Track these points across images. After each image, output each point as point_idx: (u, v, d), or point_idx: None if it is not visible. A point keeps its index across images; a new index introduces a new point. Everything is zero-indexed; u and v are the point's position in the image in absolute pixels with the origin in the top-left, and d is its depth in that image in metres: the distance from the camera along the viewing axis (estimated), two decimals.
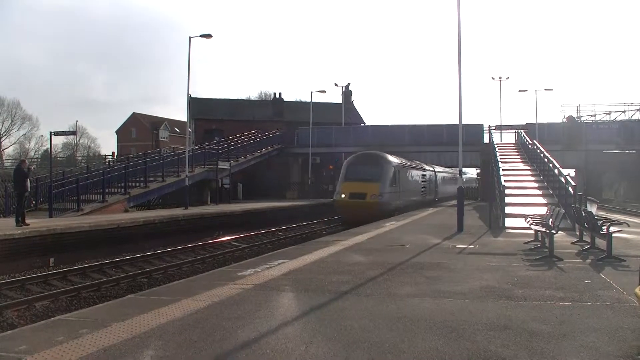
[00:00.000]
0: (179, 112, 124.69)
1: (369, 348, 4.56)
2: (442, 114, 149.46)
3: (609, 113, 51.29)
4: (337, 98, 52.36)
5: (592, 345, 4.65)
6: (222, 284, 7.39)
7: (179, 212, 23.02)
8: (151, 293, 7.17)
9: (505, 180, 19.52)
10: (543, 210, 14.95)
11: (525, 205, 17.58)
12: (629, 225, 11.68)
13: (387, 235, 14.55)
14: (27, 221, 15.58)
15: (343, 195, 24.78)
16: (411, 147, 39.39)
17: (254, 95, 74.71)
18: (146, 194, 25.43)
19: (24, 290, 11.06)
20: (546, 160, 22.09)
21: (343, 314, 5.77)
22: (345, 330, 5.10)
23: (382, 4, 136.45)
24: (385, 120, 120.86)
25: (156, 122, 75.66)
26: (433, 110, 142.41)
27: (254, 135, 39.79)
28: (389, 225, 17.88)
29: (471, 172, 55.70)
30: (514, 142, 36.04)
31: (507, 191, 18.44)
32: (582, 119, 48.74)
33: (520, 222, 14.42)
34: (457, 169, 39.90)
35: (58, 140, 62.61)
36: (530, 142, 28.75)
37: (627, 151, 43.92)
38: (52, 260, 14.35)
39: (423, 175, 34.69)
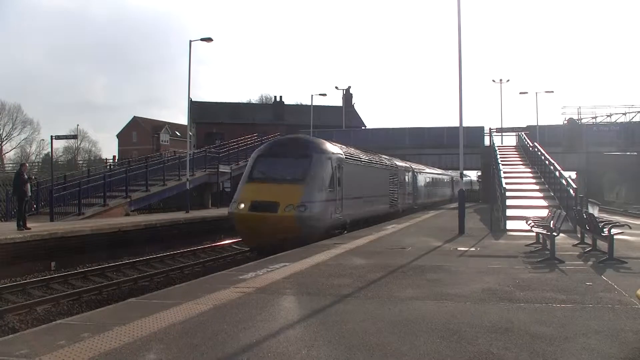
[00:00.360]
0: (180, 116, 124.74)
1: (370, 351, 4.55)
2: (442, 117, 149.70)
3: (610, 115, 51.36)
4: (337, 101, 52.37)
5: (594, 347, 4.64)
6: (223, 287, 7.39)
7: (180, 215, 23.05)
8: (152, 296, 7.17)
9: (506, 183, 19.51)
10: (544, 213, 14.96)
11: (526, 208, 17.57)
12: (630, 227, 11.65)
13: (388, 238, 14.53)
14: (28, 225, 15.60)
15: (242, 206, 14.77)
16: (411, 149, 39.41)
17: (254, 99, 75.03)
18: (147, 197, 25.43)
19: (25, 294, 11.07)
20: (547, 162, 22.10)
21: (344, 317, 5.77)
22: (347, 333, 5.09)
23: (382, 7, 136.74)
24: (385, 123, 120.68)
25: (157, 126, 75.76)
26: (434, 113, 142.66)
27: (255, 139, 39.82)
28: (390, 228, 17.86)
29: (471, 175, 55.57)
30: (514, 144, 36.09)
31: (508, 193, 18.42)
32: (583, 121, 48.84)
33: (522, 225, 14.42)
34: (448, 170, 39.46)
35: (59, 144, 62.75)
36: (531, 144, 28.76)
37: (628, 153, 43.91)
38: (53, 264, 14.37)
39: (390, 174, 23.98)
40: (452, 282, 7.82)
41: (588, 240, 12.00)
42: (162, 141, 72.38)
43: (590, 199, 27.57)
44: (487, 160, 32.15)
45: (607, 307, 6.22)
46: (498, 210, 19.04)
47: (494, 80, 42.31)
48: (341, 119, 44.69)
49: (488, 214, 18.98)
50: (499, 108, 58.83)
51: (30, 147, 70.60)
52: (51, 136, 26.47)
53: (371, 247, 12.36)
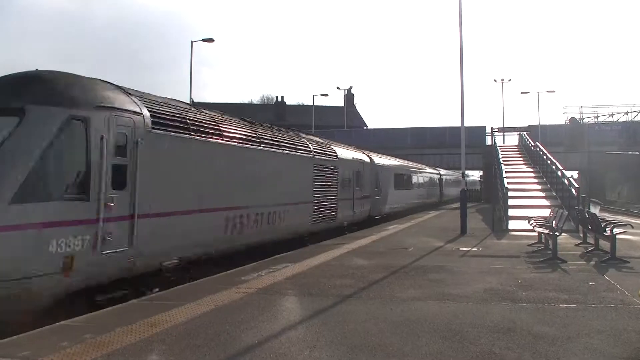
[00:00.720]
0: None
1: (372, 351, 4.55)
2: (444, 117, 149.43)
3: (612, 114, 51.16)
4: (339, 101, 52.47)
5: (597, 347, 4.63)
6: (225, 288, 7.39)
7: None
8: (155, 297, 7.17)
9: (508, 182, 19.50)
10: (546, 212, 14.94)
11: (528, 208, 17.55)
12: (632, 227, 11.65)
13: (391, 239, 14.53)
14: None
15: None
16: (413, 149, 39.41)
17: (256, 99, 75.02)
18: None
19: None
20: (549, 162, 22.08)
21: (346, 317, 5.77)
22: (349, 334, 5.09)
23: (384, 7, 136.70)
24: (387, 123, 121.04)
25: None
26: (435, 112, 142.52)
27: None
28: (392, 228, 17.86)
29: (474, 174, 55.38)
30: (516, 144, 36.02)
31: (510, 193, 18.42)
32: (585, 120, 48.66)
33: (524, 225, 14.40)
34: (419, 164, 38.42)
35: None
36: (533, 144, 28.74)
37: (630, 152, 43.81)
38: None
39: (316, 166, 14.79)
40: (454, 283, 7.81)
41: (590, 240, 11.98)
42: None
43: (592, 199, 27.50)
44: (489, 160, 32.16)
45: (609, 306, 6.21)
46: (500, 210, 19.02)
47: (495, 80, 42.49)
48: (343, 119, 44.74)
49: (490, 214, 18.96)
50: (500, 108, 59.05)
51: None
52: None
53: (373, 248, 12.36)
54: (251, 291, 7.21)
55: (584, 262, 9.93)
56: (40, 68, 7.32)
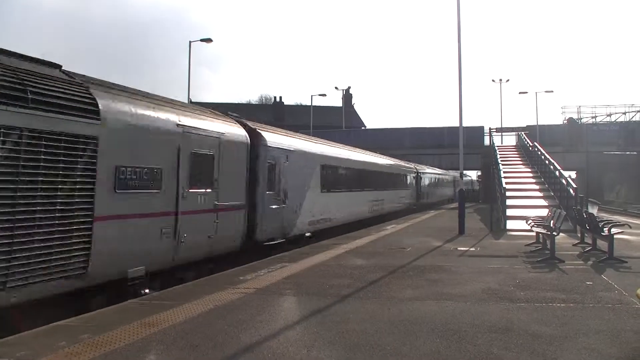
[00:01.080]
0: None
1: (370, 351, 4.55)
2: (442, 117, 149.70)
3: (610, 115, 51.24)
4: (337, 101, 52.48)
5: (594, 347, 4.64)
6: (223, 288, 7.39)
7: None
8: (152, 297, 7.16)
9: (506, 183, 19.53)
10: (544, 212, 14.96)
11: (526, 207, 17.58)
12: (630, 227, 11.67)
13: (388, 239, 14.53)
14: None
15: None
16: (411, 150, 39.42)
17: (254, 99, 74.97)
18: None
19: None
20: (547, 162, 22.12)
21: (344, 317, 5.77)
22: (347, 334, 5.09)
23: (382, 8, 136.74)
24: (385, 123, 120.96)
25: None
26: (434, 112, 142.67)
27: None
28: (390, 228, 17.87)
29: (472, 175, 55.39)
30: (514, 144, 36.12)
31: (508, 193, 18.44)
32: (583, 120, 48.74)
33: (522, 224, 14.43)
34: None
35: None
36: (531, 144, 28.79)
37: (628, 152, 43.92)
38: None
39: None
40: (452, 282, 7.82)
41: (588, 240, 12.00)
42: None
43: (590, 199, 27.54)
44: (487, 160, 32.19)
45: (607, 306, 6.23)
46: (498, 210, 19.04)
47: (493, 80, 42.50)
48: (341, 119, 44.75)
49: (488, 214, 18.97)
50: (498, 108, 59.03)
51: None
52: None
53: (371, 248, 12.36)
54: (249, 291, 7.21)
55: (582, 262, 9.94)
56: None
